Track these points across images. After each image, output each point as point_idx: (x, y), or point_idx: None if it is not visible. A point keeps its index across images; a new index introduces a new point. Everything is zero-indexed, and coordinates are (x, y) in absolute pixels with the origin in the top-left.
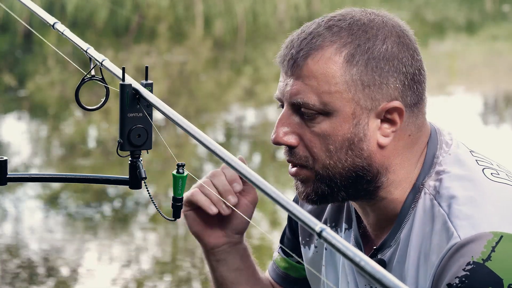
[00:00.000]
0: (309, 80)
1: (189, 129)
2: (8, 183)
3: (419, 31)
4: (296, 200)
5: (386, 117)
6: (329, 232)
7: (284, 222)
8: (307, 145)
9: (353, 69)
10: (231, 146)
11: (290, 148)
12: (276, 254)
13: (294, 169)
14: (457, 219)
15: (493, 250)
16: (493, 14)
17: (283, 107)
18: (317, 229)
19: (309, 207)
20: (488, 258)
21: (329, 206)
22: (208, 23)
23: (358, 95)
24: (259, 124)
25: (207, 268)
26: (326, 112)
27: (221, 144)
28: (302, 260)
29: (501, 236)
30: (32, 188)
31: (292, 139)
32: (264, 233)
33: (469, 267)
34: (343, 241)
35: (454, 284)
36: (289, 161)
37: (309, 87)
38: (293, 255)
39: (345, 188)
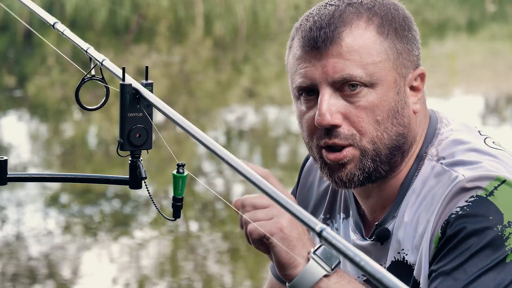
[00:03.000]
0: (350, 55)
1: (189, 129)
2: (8, 183)
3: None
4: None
5: (413, 85)
6: (329, 232)
7: None
8: (353, 121)
9: (387, 38)
10: (231, 146)
11: (333, 129)
12: None
13: (336, 153)
14: (460, 168)
15: (495, 189)
16: (493, 14)
17: (308, 94)
18: (317, 229)
19: (308, 200)
20: (491, 193)
21: (327, 201)
22: (208, 23)
23: (396, 63)
24: (259, 124)
25: (206, 268)
26: (371, 84)
27: (221, 144)
28: None
29: (504, 180)
30: (32, 188)
31: (337, 119)
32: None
33: (472, 199)
34: (343, 240)
35: (455, 212)
36: (333, 144)
37: (351, 61)
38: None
39: (387, 161)
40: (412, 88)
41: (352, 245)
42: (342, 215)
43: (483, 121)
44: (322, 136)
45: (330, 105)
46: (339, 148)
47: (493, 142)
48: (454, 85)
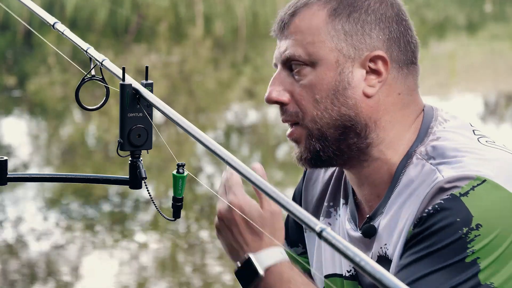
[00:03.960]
0: (296, 35)
1: (189, 129)
2: (8, 183)
3: (419, 31)
4: (296, 200)
5: (371, 67)
6: (329, 232)
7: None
8: (296, 99)
9: (335, 20)
10: (231, 146)
11: (283, 106)
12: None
13: (289, 130)
14: (444, 167)
15: (472, 189)
16: (492, 14)
17: None
18: (317, 229)
19: (315, 187)
20: (466, 194)
21: (330, 188)
22: (208, 23)
23: (341, 44)
24: (259, 124)
25: (206, 268)
26: (311, 62)
27: (221, 144)
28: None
29: (485, 180)
30: (32, 188)
31: (283, 97)
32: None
33: (446, 197)
34: (343, 240)
35: (427, 210)
36: (283, 121)
37: (295, 41)
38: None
39: (335, 142)
40: (372, 71)
41: (347, 235)
42: (342, 200)
43: (482, 121)
44: (279, 112)
45: (279, 83)
46: (290, 125)
47: (486, 141)
48: (454, 85)
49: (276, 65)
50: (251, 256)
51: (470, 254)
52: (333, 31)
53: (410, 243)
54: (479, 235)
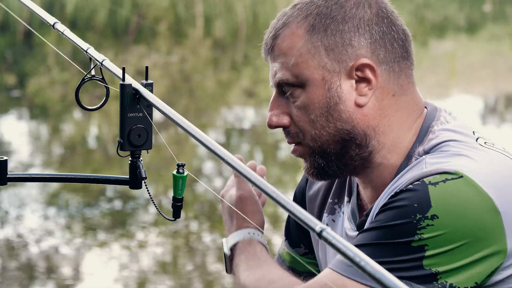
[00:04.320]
0: (280, 58)
1: (189, 129)
2: (8, 183)
3: (419, 31)
4: (296, 201)
5: (359, 76)
6: (329, 232)
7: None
8: (295, 121)
9: (313, 37)
10: (231, 146)
11: (285, 129)
12: (282, 247)
13: (292, 148)
14: (430, 159)
15: (444, 181)
16: (492, 15)
17: None
18: (317, 229)
19: (319, 184)
20: (435, 184)
21: (335, 185)
22: (208, 23)
23: (324, 60)
24: (259, 124)
25: (207, 268)
26: (300, 84)
27: (221, 144)
28: (312, 247)
29: (461, 176)
30: (32, 188)
31: (283, 120)
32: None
33: (416, 183)
34: (343, 240)
35: (394, 193)
36: (288, 143)
37: (281, 64)
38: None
39: (338, 156)
40: (361, 79)
41: (345, 234)
42: (346, 198)
43: (482, 121)
44: (283, 133)
45: (276, 106)
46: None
47: (485, 143)
48: (454, 85)
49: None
50: (223, 240)
51: (416, 240)
52: (313, 49)
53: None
54: (432, 225)
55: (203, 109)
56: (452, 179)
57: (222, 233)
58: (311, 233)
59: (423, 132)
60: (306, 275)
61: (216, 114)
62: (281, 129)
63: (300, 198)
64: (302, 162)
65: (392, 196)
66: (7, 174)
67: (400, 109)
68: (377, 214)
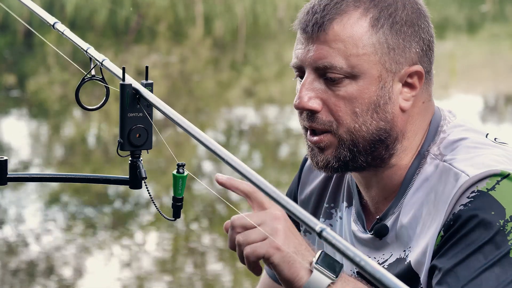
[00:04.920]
0: (336, 44)
1: (189, 129)
2: (8, 183)
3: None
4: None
5: (407, 81)
6: (329, 232)
7: None
8: (331, 109)
9: (379, 32)
10: (231, 146)
11: (313, 113)
12: None
13: (316, 137)
14: (463, 165)
15: (497, 183)
16: (493, 14)
17: (300, 76)
18: (317, 229)
19: (311, 187)
20: (493, 188)
21: (330, 189)
22: (208, 23)
23: (384, 58)
24: (259, 124)
25: (207, 268)
26: (352, 75)
27: (221, 144)
28: None
29: (508, 174)
30: (32, 188)
31: (316, 104)
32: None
33: (473, 194)
34: (343, 240)
35: (457, 211)
36: (310, 127)
37: (335, 50)
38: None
39: (365, 153)
40: (407, 84)
41: (353, 237)
42: (345, 203)
43: (482, 121)
44: (306, 118)
45: (310, 89)
46: (319, 132)
47: (495, 139)
48: (454, 85)
49: (299, 68)
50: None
51: None
52: (377, 44)
53: (446, 244)
54: None
55: (203, 109)
56: (502, 179)
57: (222, 233)
58: (303, 236)
59: (433, 131)
60: None
61: (216, 114)
62: (284, 127)
63: (292, 200)
64: (315, 154)
65: (454, 221)
66: (7, 174)
67: (425, 115)
68: (451, 245)
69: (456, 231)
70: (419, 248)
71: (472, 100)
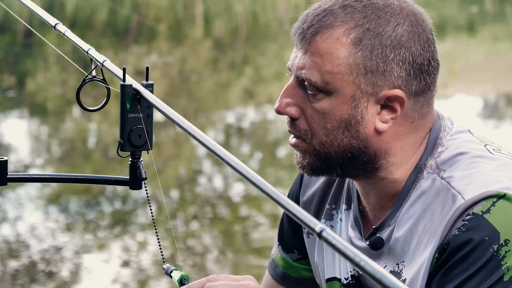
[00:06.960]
0: (314, 57)
1: (189, 129)
2: (8, 183)
3: None
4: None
5: (386, 103)
6: (329, 233)
7: None
8: (307, 119)
9: (358, 53)
10: (231, 146)
11: (292, 120)
12: (275, 252)
13: (294, 140)
14: (460, 184)
15: (493, 205)
16: (493, 14)
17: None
18: (317, 229)
19: (314, 189)
20: (487, 211)
21: (332, 190)
22: (208, 23)
23: (360, 79)
24: (259, 124)
25: (206, 268)
26: (326, 91)
27: (221, 144)
28: (306, 253)
29: (504, 195)
30: (32, 188)
31: (293, 111)
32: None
33: (468, 217)
34: (343, 241)
35: (453, 235)
36: (289, 132)
37: (313, 63)
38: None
39: (341, 165)
40: (387, 106)
41: (350, 242)
42: (344, 206)
43: (482, 121)
44: (287, 121)
45: (291, 95)
46: (296, 137)
47: (493, 149)
48: (454, 85)
49: (290, 69)
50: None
51: (506, 272)
52: (354, 64)
53: (441, 268)
54: (509, 250)
55: (203, 109)
56: (498, 200)
57: (222, 233)
58: (305, 238)
59: (431, 144)
60: (298, 281)
61: (215, 114)
62: (284, 127)
63: (294, 201)
64: (296, 155)
65: (449, 245)
66: (7, 174)
67: (416, 132)
68: (446, 269)
69: (451, 255)
70: (415, 267)
71: (471, 100)
